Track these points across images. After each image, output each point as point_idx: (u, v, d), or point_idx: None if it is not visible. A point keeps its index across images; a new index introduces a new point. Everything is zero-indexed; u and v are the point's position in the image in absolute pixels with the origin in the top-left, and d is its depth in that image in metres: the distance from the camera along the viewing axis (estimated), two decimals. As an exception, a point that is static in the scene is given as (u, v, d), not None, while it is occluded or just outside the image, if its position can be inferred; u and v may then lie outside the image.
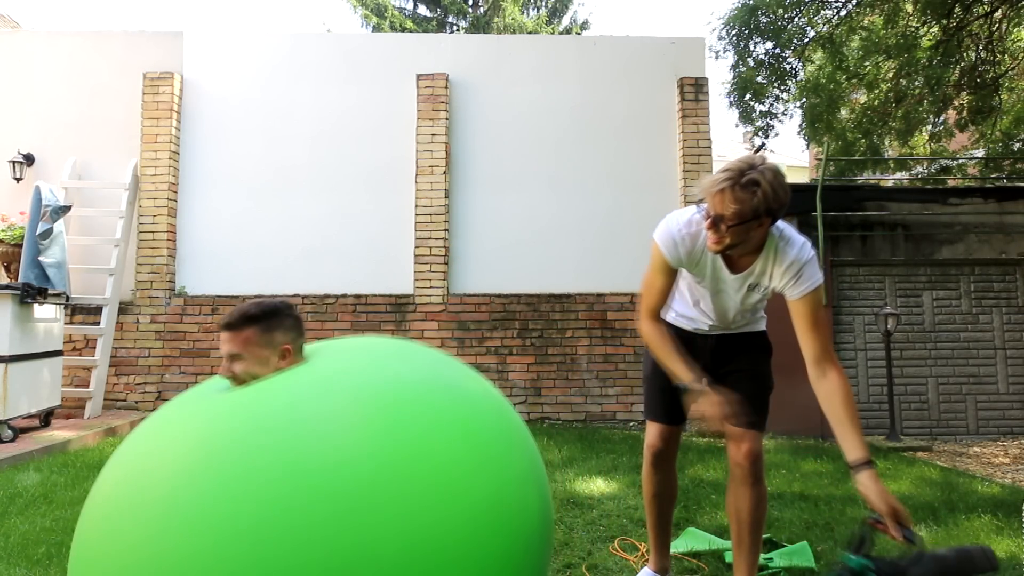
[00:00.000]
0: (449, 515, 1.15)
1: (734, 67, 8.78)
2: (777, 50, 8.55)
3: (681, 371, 1.89)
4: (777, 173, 1.71)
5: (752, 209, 1.68)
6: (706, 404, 1.79)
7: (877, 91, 9.28)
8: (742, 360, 2.11)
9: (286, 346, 1.60)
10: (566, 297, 5.96)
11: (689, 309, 2.12)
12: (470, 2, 17.18)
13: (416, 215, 6.01)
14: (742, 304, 2.01)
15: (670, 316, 2.17)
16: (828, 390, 1.77)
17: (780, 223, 1.85)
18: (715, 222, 1.73)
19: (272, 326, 1.62)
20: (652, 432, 2.20)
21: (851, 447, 1.69)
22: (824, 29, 8.82)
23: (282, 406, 1.28)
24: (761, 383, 2.10)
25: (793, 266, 1.81)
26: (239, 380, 1.56)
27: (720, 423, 1.81)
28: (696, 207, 1.84)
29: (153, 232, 5.93)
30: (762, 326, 2.17)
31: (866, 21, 8.95)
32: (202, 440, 1.24)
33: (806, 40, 8.78)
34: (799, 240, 1.87)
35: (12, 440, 4.39)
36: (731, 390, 1.85)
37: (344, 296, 5.93)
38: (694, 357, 1.99)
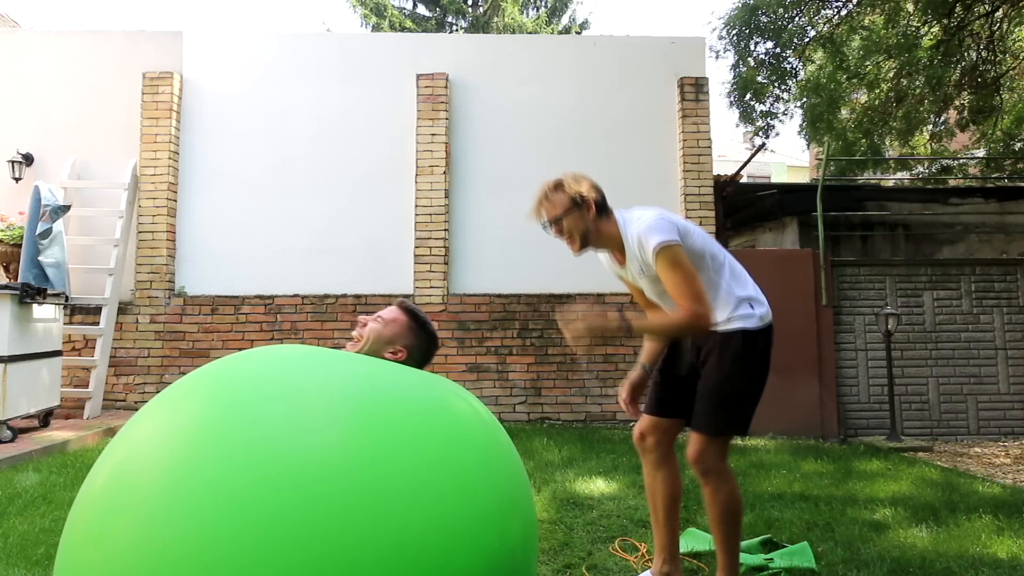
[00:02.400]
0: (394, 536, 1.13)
1: (734, 67, 8.77)
2: (777, 50, 8.54)
3: (643, 352, 2.33)
4: (575, 174, 2.12)
5: (564, 203, 2.07)
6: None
7: (878, 91, 9.27)
8: (708, 360, 2.09)
9: (402, 348, 1.85)
10: (566, 297, 5.94)
11: None
12: (469, 2, 17.17)
13: (416, 215, 6.01)
14: (658, 292, 2.12)
15: None
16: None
17: (622, 212, 2.12)
18: (554, 227, 2.10)
19: (414, 332, 1.89)
20: (639, 422, 2.28)
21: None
22: (824, 29, 8.81)
23: (279, 402, 1.26)
24: (712, 384, 2.06)
25: (637, 241, 2.03)
26: (359, 337, 1.84)
27: (624, 402, 2.29)
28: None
29: (152, 232, 5.92)
30: (736, 324, 2.06)
31: (867, 21, 8.94)
32: (193, 435, 1.22)
33: (806, 40, 8.78)
34: (636, 216, 2.06)
35: (11, 440, 4.38)
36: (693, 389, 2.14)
37: (344, 296, 5.92)
38: (679, 354, 2.23)
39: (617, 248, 2.13)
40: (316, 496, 1.11)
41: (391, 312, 1.89)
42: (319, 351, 1.50)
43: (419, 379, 1.47)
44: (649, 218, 2.02)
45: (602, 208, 2.09)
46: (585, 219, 2.07)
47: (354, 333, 1.87)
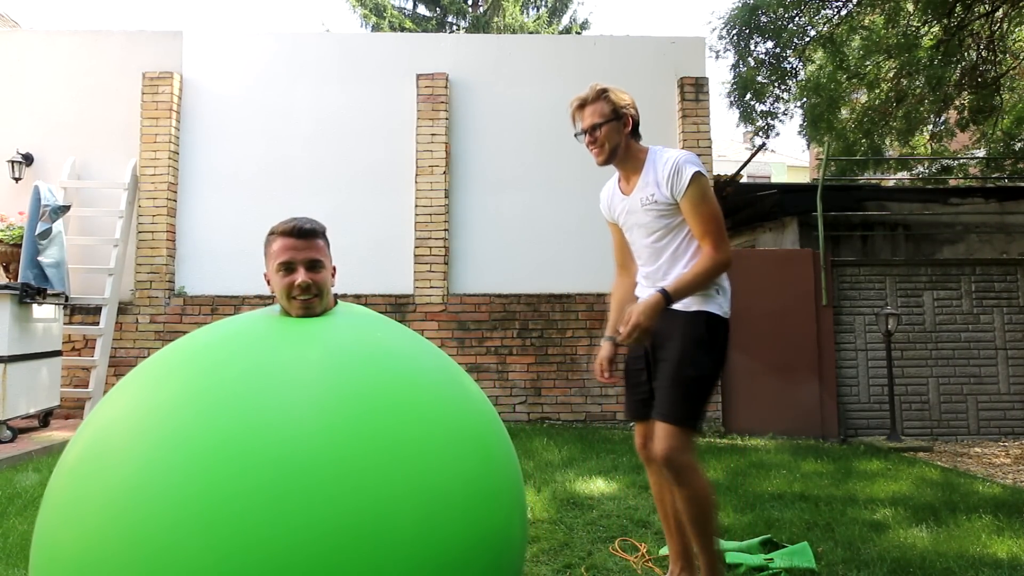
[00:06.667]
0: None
1: (734, 67, 8.76)
2: (778, 50, 8.53)
3: (608, 324, 2.25)
4: (616, 88, 2.12)
5: (606, 112, 2.06)
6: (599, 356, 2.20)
7: (878, 91, 9.27)
8: (668, 346, 1.99)
9: (333, 268, 1.67)
10: (566, 297, 5.95)
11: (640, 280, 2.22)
12: (470, 2, 17.17)
13: (416, 215, 6.01)
14: (649, 232, 2.08)
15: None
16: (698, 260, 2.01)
17: (657, 146, 2.14)
18: (590, 133, 2.07)
19: (327, 244, 1.66)
20: (635, 432, 2.20)
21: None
22: (825, 28, 8.80)
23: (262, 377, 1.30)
24: (675, 371, 1.95)
25: (668, 165, 2.02)
26: (310, 292, 1.52)
27: (600, 374, 2.18)
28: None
29: (152, 232, 5.92)
30: (702, 306, 1.99)
31: (867, 20, 8.94)
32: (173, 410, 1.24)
33: (807, 40, 8.77)
34: (675, 151, 2.08)
35: (11, 440, 4.39)
36: (655, 379, 2.04)
37: (344, 296, 5.92)
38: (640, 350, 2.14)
39: (635, 172, 2.12)
40: (288, 471, 1.12)
41: (315, 249, 1.62)
42: (294, 323, 1.51)
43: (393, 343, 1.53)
44: (683, 152, 2.05)
45: (636, 128, 2.12)
46: (620, 133, 2.08)
47: (299, 297, 1.54)
